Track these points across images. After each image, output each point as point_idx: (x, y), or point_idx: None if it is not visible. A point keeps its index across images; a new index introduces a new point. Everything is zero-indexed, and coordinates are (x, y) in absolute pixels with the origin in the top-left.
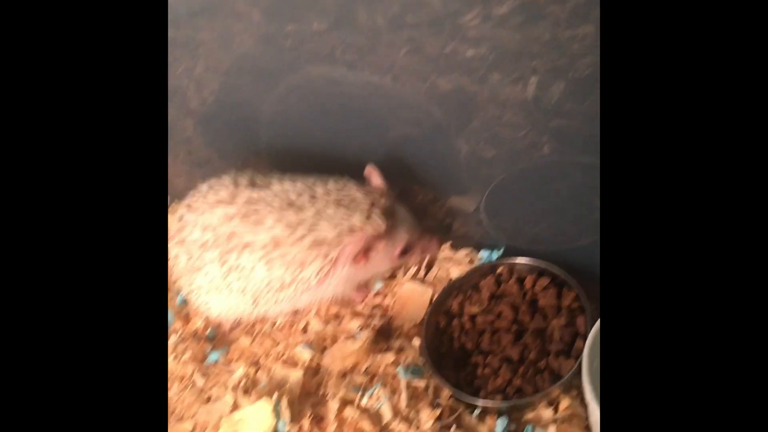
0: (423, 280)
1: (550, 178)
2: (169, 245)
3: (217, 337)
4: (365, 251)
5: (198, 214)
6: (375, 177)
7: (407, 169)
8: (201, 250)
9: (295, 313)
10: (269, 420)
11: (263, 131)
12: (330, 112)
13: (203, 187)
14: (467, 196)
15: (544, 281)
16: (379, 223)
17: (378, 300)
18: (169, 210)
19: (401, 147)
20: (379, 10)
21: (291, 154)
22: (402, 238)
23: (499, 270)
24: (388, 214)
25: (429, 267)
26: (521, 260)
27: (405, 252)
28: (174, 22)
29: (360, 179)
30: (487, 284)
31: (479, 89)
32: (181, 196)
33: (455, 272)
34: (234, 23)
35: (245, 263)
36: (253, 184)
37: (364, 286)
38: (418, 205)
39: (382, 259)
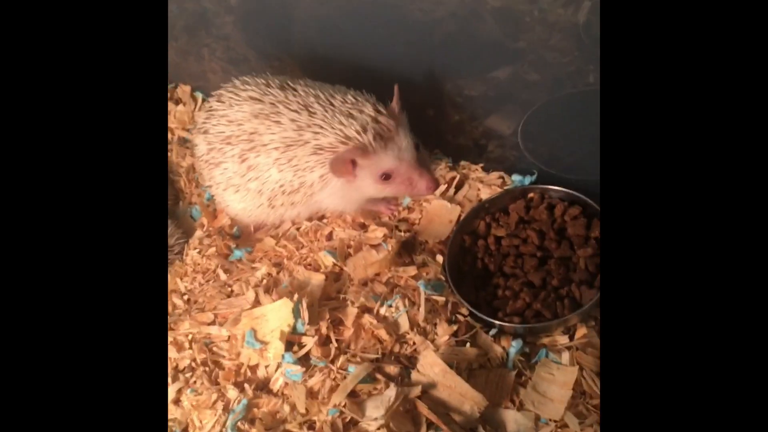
0: (452, 199)
1: (591, 108)
2: (193, 134)
3: (242, 236)
4: (353, 164)
5: (226, 107)
6: (394, 96)
7: (440, 87)
8: (222, 144)
9: (321, 218)
10: (289, 319)
11: (298, 34)
12: (368, 23)
13: (236, 82)
14: (504, 119)
15: (574, 210)
16: (368, 138)
17: (405, 214)
18: (201, 106)
19: (439, 64)
20: None
21: (323, 60)
22: (388, 163)
23: (530, 195)
24: (382, 133)
25: (459, 186)
26: (554, 188)
27: (387, 177)
28: None
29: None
30: (516, 208)
31: (528, 9)
32: (214, 92)
33: (485, 194)
34: None
35: (262, 162)
36: (283, 87)
37: (393, 200)
38: (454, 123)
39: (365, 177)
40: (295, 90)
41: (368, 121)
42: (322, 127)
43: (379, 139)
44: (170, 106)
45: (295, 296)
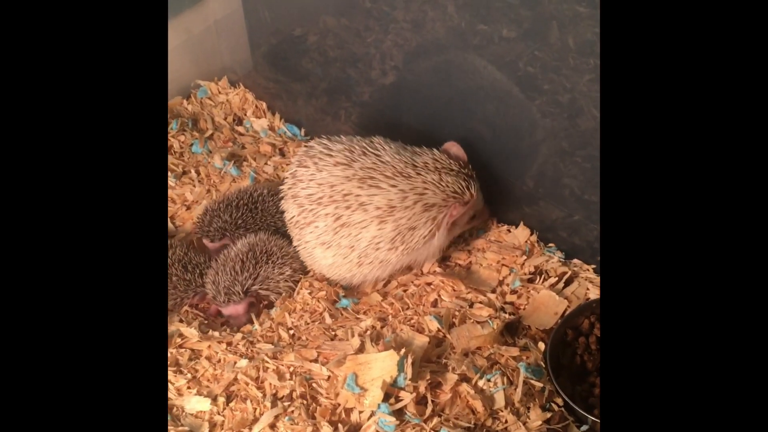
0: (560, 292)
1: None
2: (282, 201)
3: (349, 288)
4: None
5: (313, 171)
6: (457, 149)
7: (562, 187)
8: (314, 205)
9: (428, 284)
10: (392, 371)
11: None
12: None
13: (314, 145)
14: None
15: None
16: (473, 192)
17: (512, 298)
18: None
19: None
20: (572, 32)
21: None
22: (479, 204)
23: None
24: (476, 185)
25: (568, 282)
26: None
27: (473, 217)
28: None
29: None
30: None
31: None
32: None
33: (594, 294)
34: (429, 10)
35: (358, 219)
36: (365, 152)
37: None
38: (571, 223)
39: (462, 225)
40: (378, 156)
41: (465, 176)
42: (425, 189)
43: (475, 188)
44: None
45: (402, 350)
